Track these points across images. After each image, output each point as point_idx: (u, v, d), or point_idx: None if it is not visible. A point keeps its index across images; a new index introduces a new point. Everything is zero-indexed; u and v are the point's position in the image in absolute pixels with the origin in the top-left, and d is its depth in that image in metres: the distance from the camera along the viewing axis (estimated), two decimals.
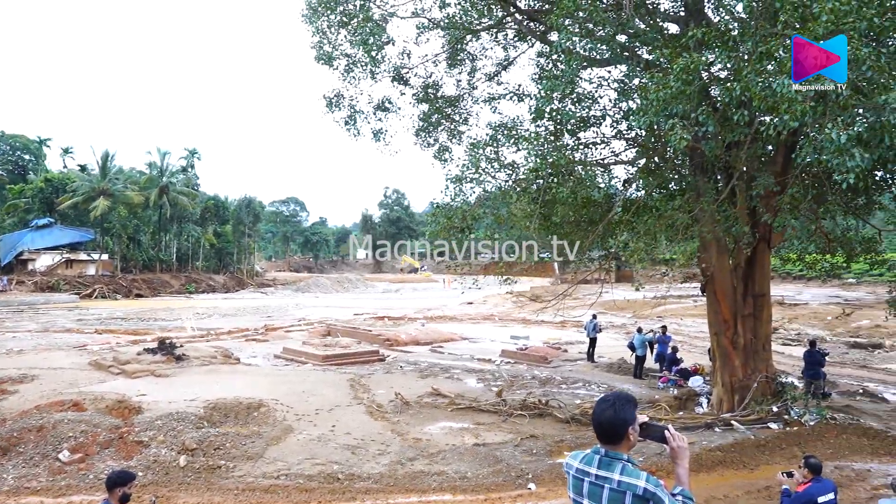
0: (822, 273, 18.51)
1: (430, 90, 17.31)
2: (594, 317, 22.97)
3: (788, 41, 7.57)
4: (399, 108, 17.36)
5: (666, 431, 2.99)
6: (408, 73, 17.02)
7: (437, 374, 19.36)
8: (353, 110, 16.80)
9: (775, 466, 10.75)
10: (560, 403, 14.76)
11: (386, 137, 17.13)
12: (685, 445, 3.01)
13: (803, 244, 15.94)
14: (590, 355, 22.44)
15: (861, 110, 7.48)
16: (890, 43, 7.68)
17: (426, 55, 17.33)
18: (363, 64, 15.56)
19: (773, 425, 13.09)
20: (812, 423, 13.16)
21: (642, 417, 3.01)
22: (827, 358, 17.14)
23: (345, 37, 15.39)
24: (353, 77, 16.01)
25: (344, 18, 15.07)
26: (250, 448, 11.56)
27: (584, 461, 3.02)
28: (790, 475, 6.78)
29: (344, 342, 25.41)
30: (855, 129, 7.05)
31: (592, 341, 22.59)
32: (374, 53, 14.72)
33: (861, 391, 17.29)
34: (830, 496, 6.41)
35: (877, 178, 13.73)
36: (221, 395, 14.48)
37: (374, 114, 17.07)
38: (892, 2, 7.80)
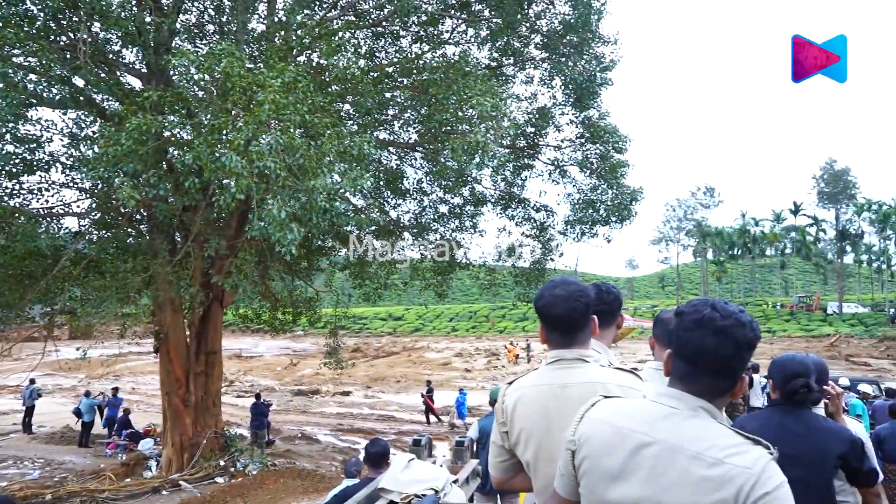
0: (273, 328, 20.23)
1: None
2: (32, 381, 20.20)
3: (239, 121, 8.23)
4: None
5: None
6: None
7: None
8: None
9: None
10: None
11: None
12: None
13: (255, 304, 17.18)
14: (26, 426, 19.59)
15: (298, 191, 8.55)
16: (320, 136, 9.02)
17: None
18: None
19: (220, 479, 13.51)
20: (255, 472, 14.04)
21: None
22: (271, 408, 18.63)
23: None
24: None
25: None
26: None
27: None
28: None
29: None
30: (291, 207, 8.04)
31: (29, 410, 19.79)
32: None
33: (300, 435, 19.31)
34: None
35: (315, 247, 15.87)
36: None
37: None
38: (321, 103, 9.25)
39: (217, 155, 7.90)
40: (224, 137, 8.46)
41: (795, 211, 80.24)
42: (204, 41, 14.14)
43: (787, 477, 2.83)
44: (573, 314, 2.12)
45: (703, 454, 1.50)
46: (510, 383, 2.28)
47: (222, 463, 14.02)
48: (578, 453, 1.70)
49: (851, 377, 17.70)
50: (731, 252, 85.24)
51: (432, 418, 22.16)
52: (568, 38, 13.91)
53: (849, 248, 74.97)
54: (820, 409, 3.50)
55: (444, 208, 16.68)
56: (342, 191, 9.19)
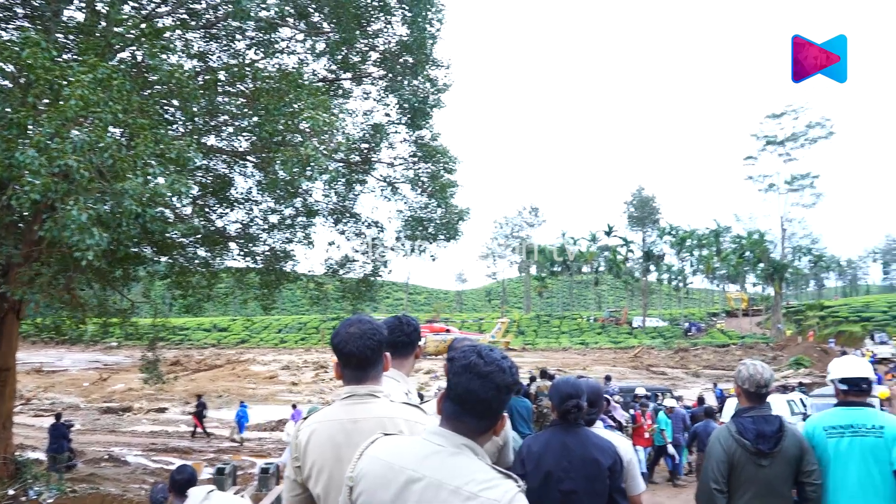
0: (77, 339, 18.59)
1: None
2: None
3: (40, 117, 7.54)
4: None
5: None
6: None
7: None
8: None
9: None
10: None
11: None
12: None
13: (56, 314, 15.68)
14: None
15: (105, 194, 7.97)
16: (135, 137, 8.47)
17: None
18: None
19: None
20: (51, 501, 12.79)
21: None
22: (74, 428, 17.09)
23: None
24: None
25: None
26: None
27: None
28: None
29: None
30: (96, 210, 7.48)
31: None
32: None
33: (107, 457, 17.85)
34: None
35: (129, 254, 14.78)
36: None
37: None
38: (137, 101, 8.72)
39: (11, 151, 7.17)
40: (25, 133, 7.71)
41: (609, 232, 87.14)
42: (11, 26, 12.78)
43: (567, 489, 3.19)
44: (365, 352, 2.24)
45: (461, 488, 1.67)
46: (305, 418, 2.35)
47: (11, 492, 12.61)
48: (356, 489, 1.82)
49: (648, 386, 19.53)
50: (552, 268, 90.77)
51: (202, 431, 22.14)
52: (404, 58, 14.23)
53: (653, 268, 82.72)
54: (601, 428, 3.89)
55: (274, 218, 16.29)
56: (158, 196, 8.71)
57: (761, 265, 70.83)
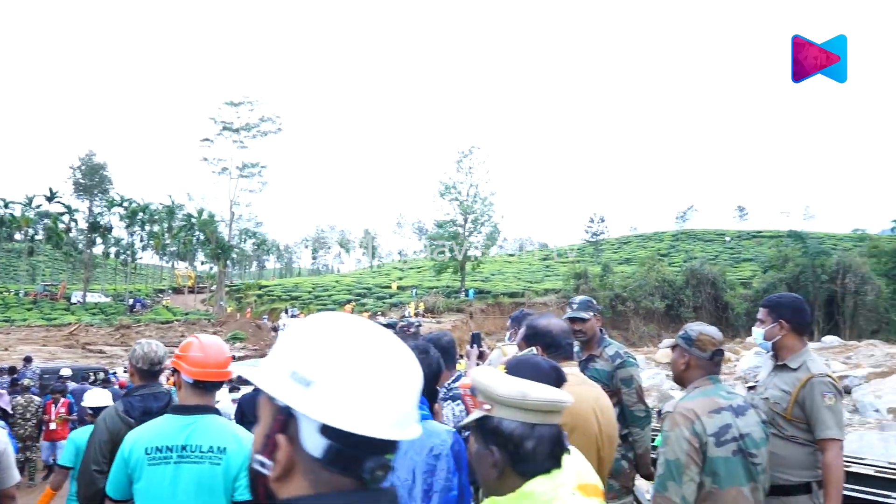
0: None
1: None
2: None
3: None
4: None
5: None
6: None
7: None
8: None
9: None
10: None
11: None
12: None
13: None
14: None
15: None
16: None
17: None
18: None
19: None
20: None
21: None
22: None
23: None
24: None
25: None
26: None
27: None
28: None
29: None
30: None
31: None
32: None
33: None
34: None
35: None
36: None
37: None
38: None
39: None
40: None
41: (51, 198, 78.51)
42: None
43: None
44: None
45: None
46: None
47: None
48: None
49: (79, 366, 18.76)
50: None
51: None
52: None
53: (99, 240, 77.93)
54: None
55: None
56: None
57: (210, 244, 73.84)
